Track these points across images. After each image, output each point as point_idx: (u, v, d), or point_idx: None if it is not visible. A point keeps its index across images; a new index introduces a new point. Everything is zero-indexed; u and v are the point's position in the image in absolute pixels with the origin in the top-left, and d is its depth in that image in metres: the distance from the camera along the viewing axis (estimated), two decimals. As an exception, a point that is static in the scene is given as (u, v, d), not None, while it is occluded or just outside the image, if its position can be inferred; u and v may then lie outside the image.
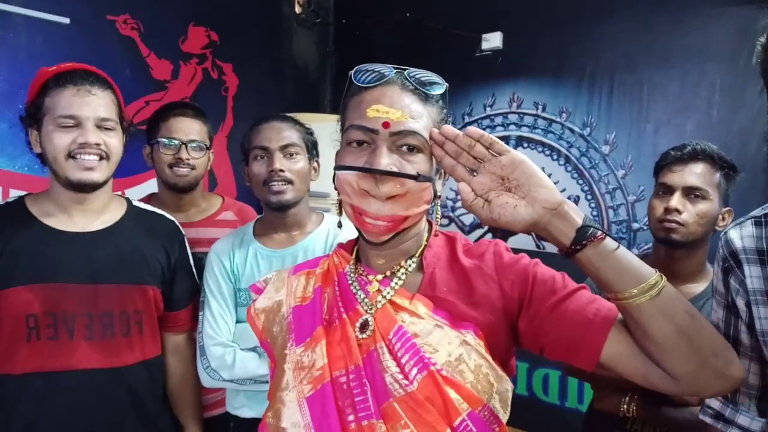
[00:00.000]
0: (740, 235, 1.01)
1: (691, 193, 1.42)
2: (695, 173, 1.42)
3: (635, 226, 2.73)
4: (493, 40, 3.11)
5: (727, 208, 1.47)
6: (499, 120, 3.18)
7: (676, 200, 1.42)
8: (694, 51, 2.51)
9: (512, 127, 3.13)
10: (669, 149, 1.51)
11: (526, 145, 3.08)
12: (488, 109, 3.20)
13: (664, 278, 0.76)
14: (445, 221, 3.29)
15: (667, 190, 1.45)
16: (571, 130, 2.92)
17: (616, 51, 2.74)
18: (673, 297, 0.75)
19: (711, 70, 2.49)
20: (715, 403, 1.07)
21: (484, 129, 3.26)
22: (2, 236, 1.25)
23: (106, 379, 1.33)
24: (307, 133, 1.60)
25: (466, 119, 3.26)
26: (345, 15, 3.88)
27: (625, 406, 1.42)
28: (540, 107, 3.02)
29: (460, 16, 3.24)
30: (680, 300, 0.76)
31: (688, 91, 2.55)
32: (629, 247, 2.74)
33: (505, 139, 3.15)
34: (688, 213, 1.41)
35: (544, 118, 3.01)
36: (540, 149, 3.04)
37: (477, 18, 3.17)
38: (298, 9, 3.69)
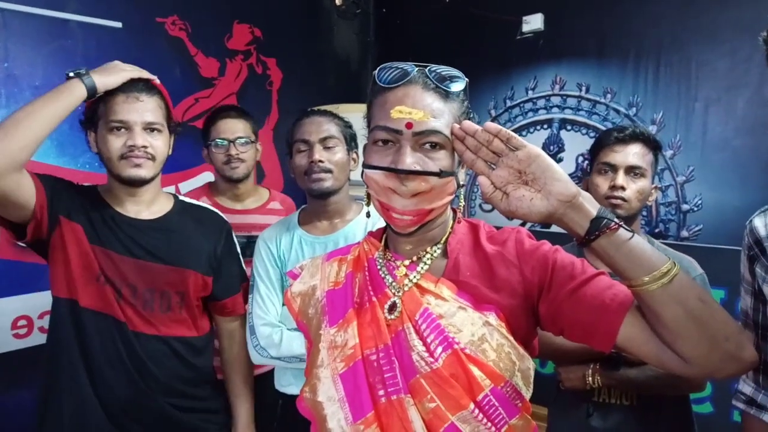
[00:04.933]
0: (764, 223, 1.00)
1: (632, 171, 1.53)
2: (635, 153, 1.54)
3: (685, 207, 2.66)
4: (533, 22, 3.07)
5: (653, 185, 1.60)
6: (541, 103, 3.13)
7: (621, 178, 1.52)
8: (744, 25, 2.41)
9: (555, 109, 3.09)
10: (610, 130, 1.63)
11: (569, 127, 3.03)
12: (530, 92, 3.16)
13: (678, 266, 0.78)
14: (488, 207, 3.29)
15: (611, 169, 1.55)
16: (617, 111, 2.86)
17: (661, 28, 2.66)
18: (685, 284, 0.77)
19: (763, 45, 2.38)
20: (747, 389, 1.06)
21: (526, 113, 3.22)
22: (86, 204, 1.43)
23: (154, 341, 1.45)
24: (346, 127, 1.67)
25: (508, 103, 3.23)
26: (384, 4, 3.90)
27: (590, 378, 1.47)
28: (584, 88, 2.97)
29: (499, -1, 3.21)
30: (693, 287, 0.78)
31: (738, 67, 2.45)
32: (679, 229, 2.68)
33: (549, 122, 3.11)
34: (630, 190, 1.52)
35: (588, 100, 2.96)
36: (584, 131, 2.99)
37: (516, 0, 3.14)
38: (338, 1, 3.73)
